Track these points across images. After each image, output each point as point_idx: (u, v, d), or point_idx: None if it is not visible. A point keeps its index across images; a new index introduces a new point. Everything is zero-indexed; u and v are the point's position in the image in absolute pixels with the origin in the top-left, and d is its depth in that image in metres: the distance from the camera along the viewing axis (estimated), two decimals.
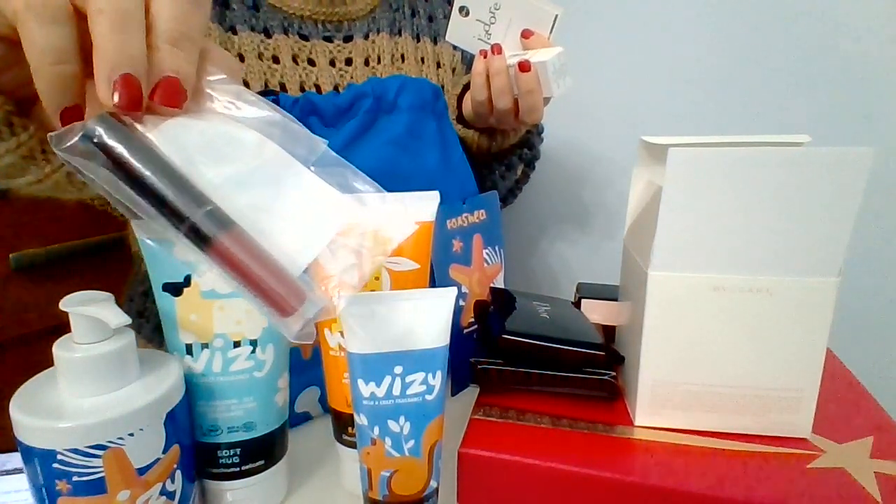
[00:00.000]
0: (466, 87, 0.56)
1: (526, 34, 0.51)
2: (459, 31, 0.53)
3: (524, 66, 0.47)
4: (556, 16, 0.50)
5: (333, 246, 0.26)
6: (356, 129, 0.45)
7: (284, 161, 0.25)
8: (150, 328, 0.60)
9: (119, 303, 0.28)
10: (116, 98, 0.21)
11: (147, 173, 0.22)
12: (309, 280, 0.25)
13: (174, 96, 0.23)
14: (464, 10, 0.52)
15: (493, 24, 0.52)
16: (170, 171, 0.23)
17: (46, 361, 0.28)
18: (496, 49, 0.50)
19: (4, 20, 0.22)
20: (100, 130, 0.22)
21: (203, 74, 0.25)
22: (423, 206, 0.35)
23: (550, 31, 0.51)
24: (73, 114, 0.23)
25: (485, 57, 0.50)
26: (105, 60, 0.21)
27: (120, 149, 0.22)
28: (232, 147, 0.24)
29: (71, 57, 0.22)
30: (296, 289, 0.24)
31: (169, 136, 0.23)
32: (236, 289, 0.23)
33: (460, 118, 0.58)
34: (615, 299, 0.45)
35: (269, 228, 0.24)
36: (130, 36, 0.21)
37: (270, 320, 0.24)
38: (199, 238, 0.23)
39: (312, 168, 0.25)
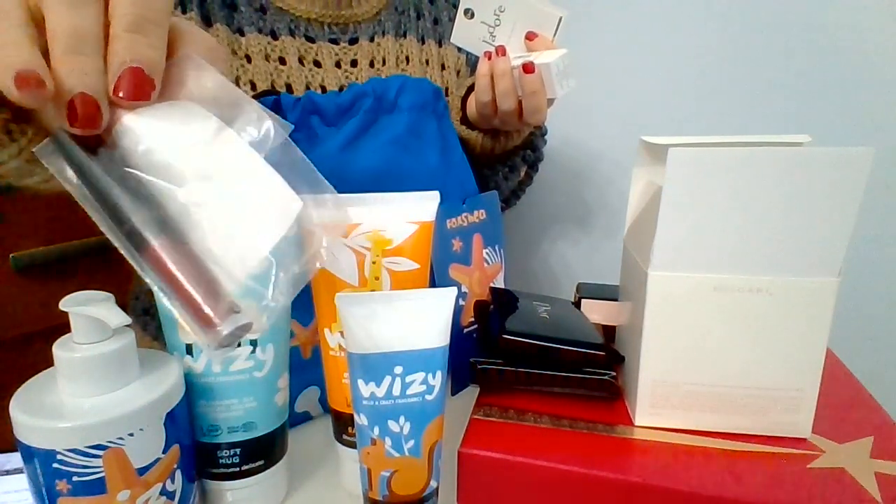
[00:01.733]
0: (470, 89, 0.56)
1: (530, 36, 0.51)
2: (464, 34, 0.54)
3: (528, 68, 0.48)
4: (561, 18, 0.50)
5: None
6: (357, 128, 0.45)
7: (240, 152, 0.24)
8: (156, 325, 0.60)
9: (125, 300, 0.28)
10: (68, 121, 0.21)
11: (95, 179, 0.22)
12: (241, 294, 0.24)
13: (139, 88, 0.22)
14: (469, 13, 0.53)
15: (497, 26, 0.52)
16: (117, 174, 0.22)
17: (46, 361, 0.28)
18: (500, 51, 0.50)
19: None
20: (61, 138, 0.22)
21: (176, 57, 0.24)
22: (423, 206, 0.35)
23: (554, 34, 0.51)
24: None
25: (489, 59, 0.51)
26: (59, 82, 0.21)
27: (75, 154, 0.22)
28: (187, 135, 0.23)
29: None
30: (224, 303, 0.23)
31: (125, 127, 0.23)
32: (165, 295, 0.23)
33: (464, 120, 0.58)
34: (615, 299, 0.45)
35: (213, 231, 0.23)
36: (86, 56, 0.21)
37: (191, 329, 0.23)
38: (134, 242, 0.22)
39: (265, 158, 0.25)
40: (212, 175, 0.23)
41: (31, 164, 0.31)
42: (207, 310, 0.22)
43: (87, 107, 0.21)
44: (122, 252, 0.23)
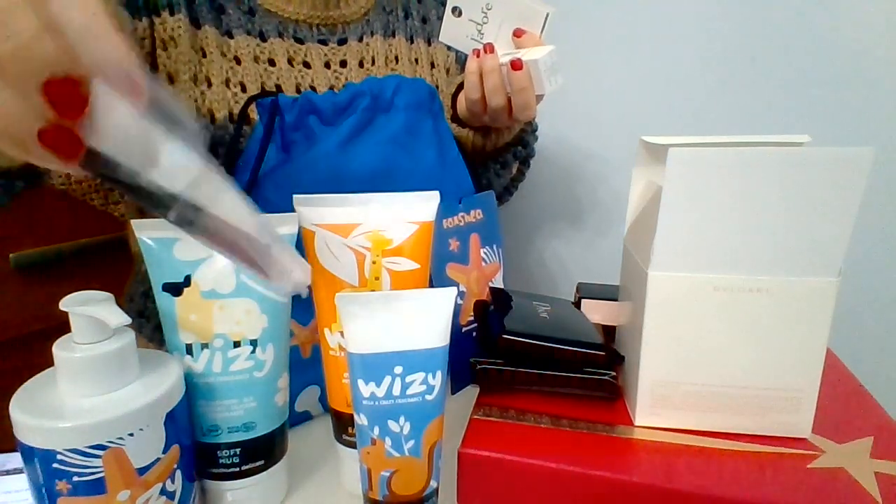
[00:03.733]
0: (460, 87, 0.56)
1: (518, 33, 0.51)
2: (452, 32, 0.54)
3: (516, 65, 0.48)
4: (548, 14, 0.50)
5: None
6: (354, 127, 0.45)
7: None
8: (150, 328, 0.60)
9: (119, 303, 0.28)
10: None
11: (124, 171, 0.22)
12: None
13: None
14: (456, 11, 0.53)
15: (485, 23, 0.52)
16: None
17: (46, 361, 0.28)
18: (489, 48, 0.50)
19: None
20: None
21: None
22: (423, 205, 0.35)
23: (542, 30, 0.51)
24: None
25: (478, 56, 0.51)
26: None
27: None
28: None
29: None
30: (287, 252, 0.26)
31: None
32: (229, 256, 0.25)
33: (455, 117, 0.58)
34: (615, 299, 0.45)
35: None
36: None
37: (260, 283, 0.27)
38: (187, 220, 0.23)
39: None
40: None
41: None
42: (282, 258, 0.26)
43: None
44: (180, 228, 0.24)
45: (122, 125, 0.21)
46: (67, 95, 0.20)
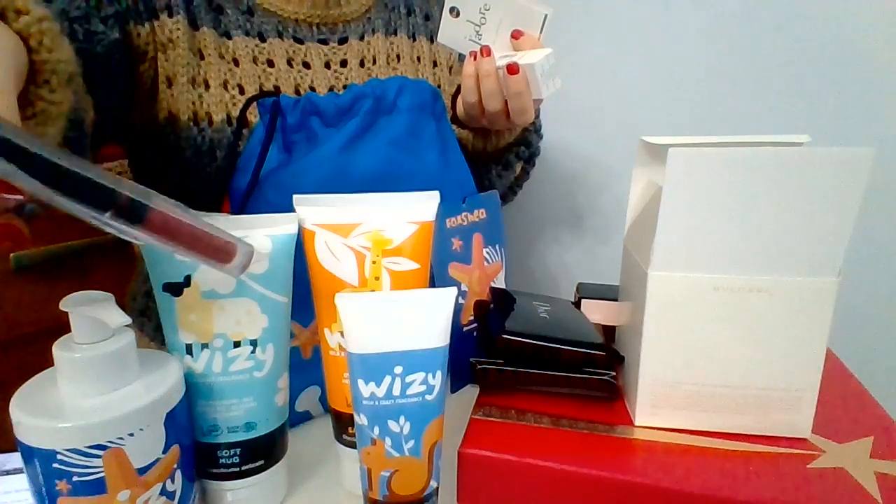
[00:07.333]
0: (459, 89, 0.56)
1: (516, 35, 0.51)
2: (450, 33, 0.53)
3: (513, 69, 0.47)
4: (546, 16, 0.50)
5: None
6: (356, 129, 0.45)
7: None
8: (152, 327, 0.60)
9: (122, 301, 0.28)
10: None
11: (59, 160, 0.21)
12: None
13: None
14: (454, 12, 0.52)
15: (483, 24, 0.52)
16: (77, 160, 0.22)
17: (46, 361, 0.28)
18: (485, 51, 0.50)
19: None
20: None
21: None
22: (423, 206, 0.35)
23: (540, 32, 0.51)
24: None
25: (475, 59, 0.50)
26: None
27: (17, 141, 0.20)
28: None
29: None
30: (227, 234, 0.27)
31: None
32: (175, 251, 0.25)
33: (455, 118, 0.58)
34: (615, 299, 0.45)
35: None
36: None
37: (213, 269, 0.27)
38: (133, 212, 0.23)
39: None
40: None
41: None
42: (229, 238, 0.26)
43: None
44: (113, 228, 0.23)
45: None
46: None
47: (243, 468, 0.34)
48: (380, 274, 0.34)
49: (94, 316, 0.27)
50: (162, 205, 0.24)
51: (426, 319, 0.30)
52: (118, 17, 0.43)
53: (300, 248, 0.34)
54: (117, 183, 0.23)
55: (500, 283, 0.53)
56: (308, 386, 0.45)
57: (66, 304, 0.27)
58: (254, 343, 0.32)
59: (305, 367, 0.43)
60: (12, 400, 0.27)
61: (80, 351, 0.27)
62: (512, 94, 0.49)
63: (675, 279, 0.32)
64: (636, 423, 0.34)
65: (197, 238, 0.25)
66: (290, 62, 0.51)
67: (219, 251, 0.26)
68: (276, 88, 0.50)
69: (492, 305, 0.45)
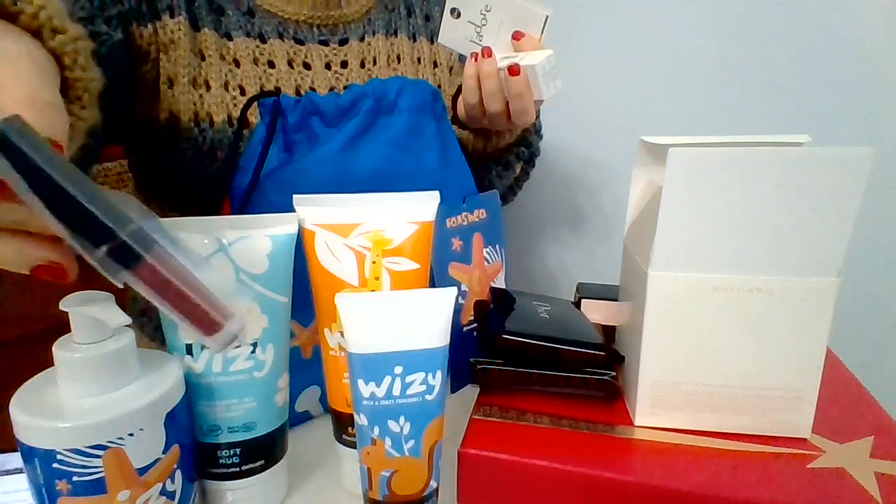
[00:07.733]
0: (460, 89, 0.56)
1: (517, 36, 0.51)
2: (451, 34, 0.53)
3: (514, 70, 0.47)
4: (547, 17, 0.50)
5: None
6: (357, 129, 0.45)
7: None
8: (152, 327, 0.60)
9: (122, 301, 0.28)
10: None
11: (66, 185, 0.20)
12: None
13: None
14: (455, 13, 0.52)
15: (484, 25, 0.52)
16: (89, 188, 0.21)
17: (46, 361, 0.28)
18: (486, 52, 0.50)
19: None
20: (5, 129, 0.19)
21: None
22: (423, 205, 0.35)
23: (541, 33, 0.51)
24: None
25: (476, 60, 0.50)
26: None
27: (32, 154, 0.20)
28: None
29: None
30: (221, 305, 0.24)
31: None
32: (161, 308, 0.23)
33: (455, 119, 0.58)
34: (615, 299, 0.45)
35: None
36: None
37: (194, 337, 0.24)
38: (125, 257, 0.21)
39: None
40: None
41: None
42: (214, 314, 0.24)
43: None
44: (99, 267, 0.22)
45: None
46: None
47: (243, 468, 0.34)
48: (380, 274, 0.34)
49: (94, 316, 0.27)
50: (160, 258, 0.22)
51: (426, 319, 0.30)
52: (121, 17, 0.43)
53: (300, 248, 0.34)
54: (120, 222, 0.21)
55: (500, 283, 0.53)
56: (308, 386, 0.45)
57: (66, 304, 0.27)
58: (254, 343, 0.32)
59: (305, 367, 0.43)
60: (12, 400, 0.27)
61: (80, 351, 0.27)
62: (513, 96, 0.49)
63: (675, 279, 0.32)
64: (636, 423, 0.34)
65: (183, 300, 0.23)
66: (290, 63, 0.51)
67: (202, 321, 0.24)
68: (277, 90, 0.50)
69: (492, 305, 0.45)
